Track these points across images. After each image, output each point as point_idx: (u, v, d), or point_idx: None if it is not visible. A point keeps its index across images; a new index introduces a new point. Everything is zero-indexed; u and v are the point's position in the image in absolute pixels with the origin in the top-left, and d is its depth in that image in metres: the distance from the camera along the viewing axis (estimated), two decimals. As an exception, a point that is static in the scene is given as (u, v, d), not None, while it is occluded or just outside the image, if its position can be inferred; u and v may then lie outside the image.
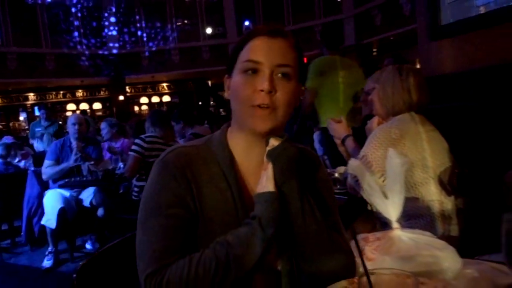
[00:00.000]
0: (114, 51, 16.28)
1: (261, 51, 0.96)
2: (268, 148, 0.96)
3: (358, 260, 1.05)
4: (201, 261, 0.88)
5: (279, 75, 0.96)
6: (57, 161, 4.14)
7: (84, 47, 15.99)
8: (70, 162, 4.07)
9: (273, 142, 0.96)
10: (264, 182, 0.94)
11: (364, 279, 0.64)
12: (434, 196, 1.78)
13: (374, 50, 15.57)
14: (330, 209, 1.09)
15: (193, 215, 0.95)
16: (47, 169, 4.10)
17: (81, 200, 4.15)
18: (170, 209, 0.93)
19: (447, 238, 1.74)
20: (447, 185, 1.80)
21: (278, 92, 0.95)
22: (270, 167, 0.95)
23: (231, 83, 1.01)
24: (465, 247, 1.71)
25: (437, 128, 1.89)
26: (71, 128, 4.22)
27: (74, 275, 1.04)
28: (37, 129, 7.09)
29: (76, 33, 15.99)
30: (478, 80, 2.21)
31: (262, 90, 0.94)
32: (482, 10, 2.23)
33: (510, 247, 0.82)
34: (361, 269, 1.02)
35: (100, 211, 4.08)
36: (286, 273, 1.01)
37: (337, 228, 1.07)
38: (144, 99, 21.38)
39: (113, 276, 1.08)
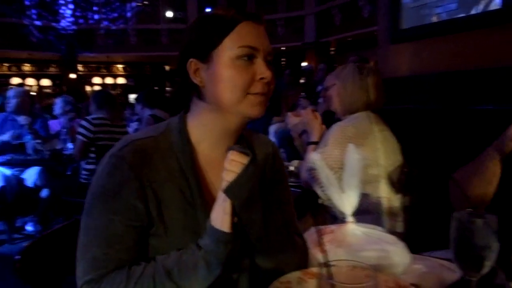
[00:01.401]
0: (67, 25, 15.43)
1: (254, 36, 0.91)
2: (226, 178, 0.86)
3: (311, 251, 1.07)
4: (139, 282, 0.83)
5: (268, 62, 0.94)
6: None
7: (34, 17, 15.01)
8: (5, 137, 3.81)
9: (231, 165, 0.87)
10: (221, 215, 0.86)
11: (324, 270, 0.65)
12: (383, 193, 1.85)
13: (333, 49, 15.92)
14: (286, 201, 1.09)
15: (144, 222, 0.89)
16: None
17: (23, 180, 3.93)
18: (118, 216, 0.87)
19: (392, 234, 1.82)
20: (396, 183, 1.88)
21: (272, 80, 0.93)
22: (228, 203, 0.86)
23: (212, 69, 0.92)
24: (409, 243, 1.80)
25: (390, 128, 1.96)
26: (11, 102, 3.98)
27: (18, 256, 0.98)
28: (-23, 103, 6.62)
29: (27, 2, 14.97)
30: (431, 84, 2.32)
31: (262, 78, 0.91)
32: (439, 18, 2.33)
33: (459, 245, 0.86)
34: (314, 261, 1.06)
35: (44, 192, 3.89)
36: (245, 268, 0.99)
37: (293, 221, 1.08)
38: (97, 79, 20.54)
39: (58, 259, 1.03)
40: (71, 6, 14.98)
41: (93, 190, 0.90)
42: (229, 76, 0.90)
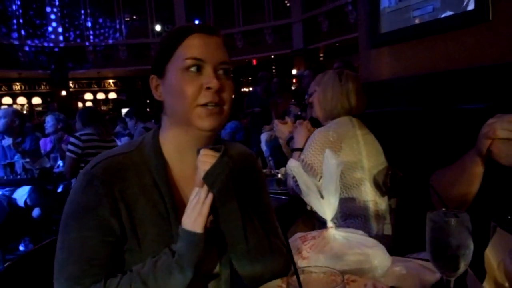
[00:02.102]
0: (56, 42, 15.43)
1: (201, 48, 0.94)
2: (202, 168, 0.88)
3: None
4: None
5: (221, 72, 0.95)
6: None
7: (23, 38, 15.01)
8: None
9: (206, 157, 0.89)
10: (194, 216, 0.87)
11: (294, 278, 0.66)
12: (369, 197, 1.86)
13: (321, 55, 16.03)
14: (266, 208, 1.11)
15: (117, 237, 0.90)
16: None
17: (14, 200, 3.90)
18: (92, 232, 0.88)
19: (381, 237, 1.83)
20: (382, 186, 1.89)
21: (223, 90, 0.94)
22: (202, 198, 0.88)
23: (166, 82, 0.96)
24: (397, 245, 1.81)
25: (373, 132, 1.98)
26: None
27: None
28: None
29: (14, 22, 14.96)
30: (412, 86, 2.34)
31: (209, 88, 0.92)
32: (417, 21, 2.36)
33: (434, 245, 0.87)
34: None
35: (35, 212, 3.87)
36: (225, 276, 1.01)
37: (273, 228, 1.09)
38: (88, 95, 20.49)
39: (37, 279, 1.02)
40: (58, 24, 15.01)
41: (67, 208, 0.91)
42: (178, 87, 0.93)
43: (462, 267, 0.86)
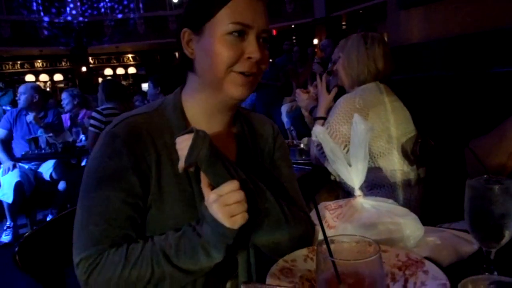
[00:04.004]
0: (74, 20, 15.46)
1: (248, 13, 0.88)
2: (183, 154, 0.84)
3: (317, 228, 1.03)
4: (137, 265, 0.83)
5: (261, 40, 0.91)
6: (10, 130, 3.98)
7: (42, 14, 15.08)
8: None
9: (181, 143, 0.85)
10: (232, 212, 0.81)
11: (324, 246, 0.61)
12: (397, 166, 1.78)
13: (343, 23, 15.57)
14: (287, 178, 1.08)
15: (139, 198, 0.88)
16: None
17: (40, 174, 3.99)
18: (113, 192, 0.86)
19: (408, 207, 1.76)
20: (410, 154, 1.81)
21: (262, 61, 0.90)
22: (242, 197, 0.82)
23: (203, 41, 0.91)
24: (425, 216, 1.74)
25: (402, 98, 1.88)
26: (20, 98, 4.02)
27: (16, 248, 0.97)
28: (-10, 101, 6.70)
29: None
30: (444, 49, 2.21)
31: (250, 58, 0.88)
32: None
33: (474, 214, 0.81)
34: (320, 237, 1.02)
35: (61, 185, 3.95)
36: (243, 254, 0.97)
37: (294, 198, 1.06)
38: (108, 71, 20.65)
39: (57, 249, 1.02)
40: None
41: (88, 167, 0.90)
42: (217, 50, 0.88)
43: (507, 237, 0.80)
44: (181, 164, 0.84)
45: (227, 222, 0.80)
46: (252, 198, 0.86)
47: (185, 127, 0.93)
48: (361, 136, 1.06)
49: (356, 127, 1.06)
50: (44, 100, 4.30)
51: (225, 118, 0.99)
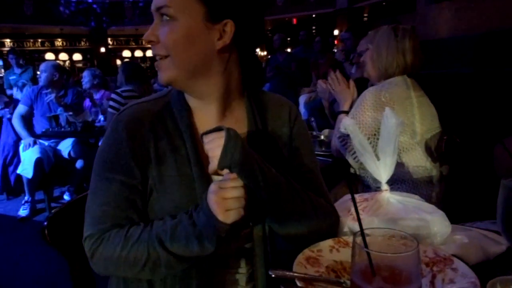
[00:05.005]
0: (95, 1, 15.51)
1: None
2: (213, 155, 0.82)
3: (342, 219, 1.03)
4: (134, 247, 0.85)
5: (163, 18, 0.89)
6: (31, 106, 4.03)
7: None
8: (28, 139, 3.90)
9: (211, 143, 0.83)
10: (227, 207, 0.80)
11: (360, 238, 0.61)
12: (420, 162, 1.77)
13: (365, 15, 15.33)
14: (308, 167, 1.05)
15: (139, 181, 0.91)
16: (17, 119, 3.98)
17: (59, 151, 4.05)
18: (113, 174, 0.90)
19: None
20: (434, 151, 1.79)
21: (162, 38, 0.89)
22: (242, 193, 0.82)
23: None
24: (447, 214, 1.73)
25: (429, 94, 1.86)
26: (41, 76, 4.05)
27: (45, 223, 1.00)
28: (11, 77, 6.75)
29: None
30: (476, 46, 2.15)
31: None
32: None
33: (508, 216, 0.79)
34: (345, 229, 1.02)
35: (79, 163, 4.00)
36: (260, 239, 0.96)
37: (318, 188, 1.03)
38: (126, 53, 20.76)
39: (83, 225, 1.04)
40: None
41: (97, 152, 0.95)
42: None
43: (539, 239, 0.79)
44: (212, 167, 0.83)
45: (220, 215, 0.80)
46: (254, 197, 0.86)
47: (186, 112, 0.95)
48: (391, 130, 1.04)
49: (387, 121, 1.05)
50: (65, 79, 4.34)
51: (218, 107, 0.97)
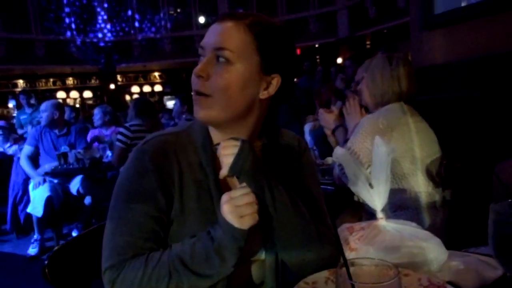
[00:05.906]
0: (106, 38, 16.00)
1: (206, 35, 0.94)
2: (225, 162, 0.86)
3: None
4: (156, 269, 0.85)
5: (220, 59, 0.91)
6: (36, 147, 4.09)
7: (74, 33, 15.68)
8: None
9: (225, 149, 0.87)
10: (242, 213, 0.83)
11: (343, 269, 0.61)
12: (421, 188, 1.76)
13: (368, 43, 15.56)
14: (315, 196, 1.07)
15: (163, 212, 0.91)
16: (24, 160, 4.05)
17: (68, 188, 4.09)
18: (138, 205, 0.90)
19: (433, 230, 1.72)
20: (435, 176, 1.78)
21: (213, 77, 0.90)
22: (252, 199, 0.85)
23: None
24: (451, 239, 1.71)
25: (427, 119, 1.87)
26: (42, 116, 4.12)
27: (46, 262, 1.01)
28: (22, 117, 6.90)
29: (67, 20, 15.64)
30: (469, 70, 2.18)
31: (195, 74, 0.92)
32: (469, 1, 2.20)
33: (498, 239, 0.79)
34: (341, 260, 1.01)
35: (87, 200, 4.03)
36: (270, 262, 0.98)
37: (322, 217, 1.05)
38: (135, 88, 21.18)
39: (85, 263, 1.05)
40: (106, 15, 15.49)
41: (118, 182, 0.95)
42: None
43: (532, 263, 0.78)
44: (224, 172, 0.87)
45: (236, 222, 0.82)
46: (263, 204, 0.88)
47: (209, 146, 0.97)
48: (382, 158, 1.06)
49: (377, 149, 1.06)
50: (74, 117, 4.43)
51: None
